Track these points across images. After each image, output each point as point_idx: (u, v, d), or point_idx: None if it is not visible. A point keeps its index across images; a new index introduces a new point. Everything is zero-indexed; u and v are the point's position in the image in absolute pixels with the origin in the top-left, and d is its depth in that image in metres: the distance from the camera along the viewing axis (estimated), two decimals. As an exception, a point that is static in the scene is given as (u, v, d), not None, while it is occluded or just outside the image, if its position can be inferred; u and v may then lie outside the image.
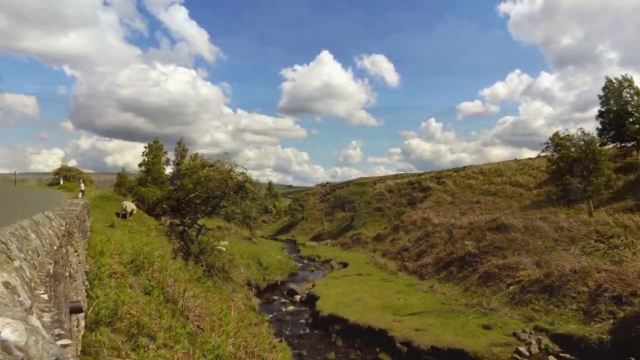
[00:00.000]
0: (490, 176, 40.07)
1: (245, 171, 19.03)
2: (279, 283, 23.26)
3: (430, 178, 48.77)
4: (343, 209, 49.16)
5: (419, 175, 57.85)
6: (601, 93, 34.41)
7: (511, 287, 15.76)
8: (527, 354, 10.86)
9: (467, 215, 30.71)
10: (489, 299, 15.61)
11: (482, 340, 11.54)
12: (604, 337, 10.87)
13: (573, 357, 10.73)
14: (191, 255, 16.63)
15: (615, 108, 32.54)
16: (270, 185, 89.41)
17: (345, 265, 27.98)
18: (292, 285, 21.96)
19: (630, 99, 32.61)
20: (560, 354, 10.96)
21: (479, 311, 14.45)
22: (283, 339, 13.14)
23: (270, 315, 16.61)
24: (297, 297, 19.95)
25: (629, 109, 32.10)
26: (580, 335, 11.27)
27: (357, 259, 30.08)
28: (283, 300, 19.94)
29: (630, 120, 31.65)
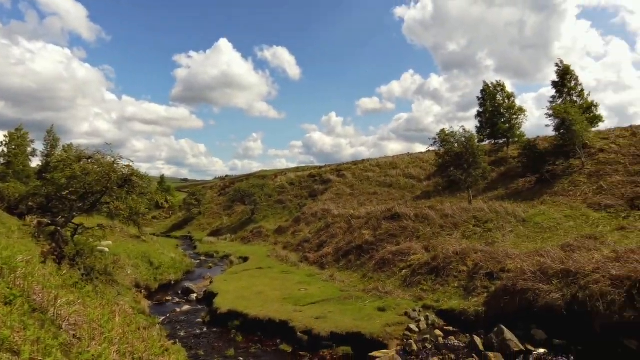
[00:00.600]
0: (386, 169, 43.48)
1: (131, 163, 17.39)
2: (172, 283, 22.02)
3: (331, 171, 50.88)
4: (243, 202, 48.43)
5: (320, 168, 59.95)
6: (479, 95, 40.00)
7: (404, 271, 17.44)
8: (417, 330, 12.14)
9: (365, 206, 32.89)
10: (384, 283, 17.04)
11: (377, 322, 12.54)
12: (480, 309, 12.71)
13: (455, 329, 12.34)
14: (65, 258, 14.66)
15: (490, 109, 38.11)
16: (162, 179, 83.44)
17: (245, 259, 27.68)
18: (187, 284, 20.92)
19: (502, 101, 38.49)
20: (444, 327, 12.50)
21: (375, 295, 15.67)
22: (177, 340, 12.46)
23: (163, 317, 15.62)
24: (194, 296, 19.11)
25: (501, 111, 37.92)
26: (461, 309, 13.00)
27: (258, 252, 30.01)
28: (177, 300, 18.90)
29: (502, 120, 37.44)
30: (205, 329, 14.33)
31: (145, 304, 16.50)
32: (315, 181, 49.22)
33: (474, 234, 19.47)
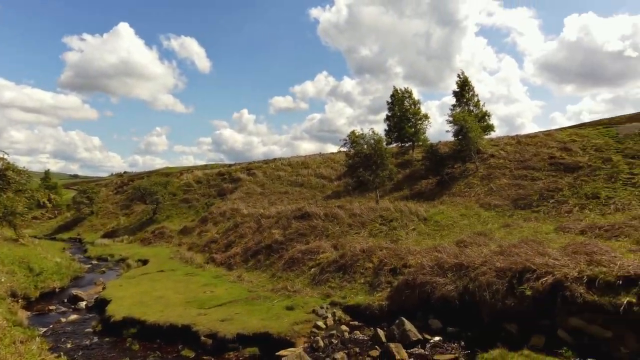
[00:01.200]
0: (297, 168, 44.00)
1: (6, 156, 14.95)
2: (57, 290, 19.54)
3: (241, 169, 49.96)
4: (144, 201, 45.13)
5: (230, 166, 58.53)
6: (389, 100, 42.67)
7: (312, 270, 17.76)
8: (324, 326, 12.43)
9: (276, 205, 32.86)
10: (293, 282, 17.16)
11: (285, 321, 12.54)
12: (383, 303, 13.46)
13: (360, 323, 12.89)
14: None
15: (398, 114, 40.85)
16: (47, 174, 73.97)
17: (145, 262, 25.77)
18: (75, 291, 18.69)
19: (409, 107, 41.49)
20: (350, 322, 12.99)
21: (284, 295, 15.68)
22: (62, 353, 11.05)
23: (45, 329, 13.76)
24: (83, 304, 17.18)
25: (408, 116, 40.86)
26: (366, 304, 13.63)
27: (160, 254, 28.14)
28: (63, 309, 16.79)
29: (409, 124, 40.35)
30: (96, 339, 12.96)
31: (23, 314, 14.53)
32: (224, 179, 47.84)
33: (380, 232, 20.61)
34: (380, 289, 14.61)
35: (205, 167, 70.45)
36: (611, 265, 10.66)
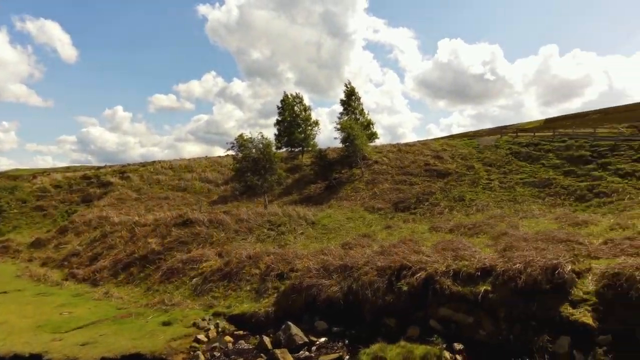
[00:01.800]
0: (180, 172, 41.75)
1: None
2: None
3: (113, 172, 45.54)
4: (-21, 209, 37.93)
5: (99, 168, 52.89)
6: (279, 105, 43.27)
7: (194, 280, 16.90)
8: (206, 339, 11.87)
9: (154, 211, 30.62)
10: (172, 295, 16.09)
11: (161, 338, 11.65)
12: (270, 309, 13.41)
13: (246, 332, 12.63)
14: None
15: (288, 119, 41.64)
16: None
17: (-23, 285, 21.54)
18: None
19: (299, 113, 42.58)
20: (235, 332, 12.64)
21: (160, 309, 14.58)
22: None
23: None
24: None
25: (298, 121, 41.89)
26: (252, 311, 13.43)
27: (4, 272, 23.88)
28: None
29: (299, 130, 41.37)
30: None
31: None
32: (91, 184, 42.98)
33: (268, 237, 20.61)
34: (266, 295, 14.55)
35: (67, 169, 62.50)
36: (472, 259, 12.28)
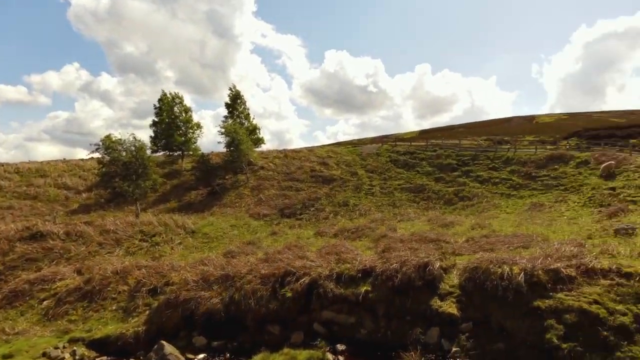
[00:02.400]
0: (30, 177, 36.33)
1: None
2: None
3: None
4: None
5: None
6: (157, 104, 40.60)
7: (45, 302, 14.70)
8: (58, 371, 10.40)
9: (-7, 224, 26.06)
10: (15, 322, 13.74)
11: (-5, 375, 9.86)
12: (140, 329, 12.30)
13: (110, 358, 11.37)
14: None
15: (167, 120, 39.27)
16: None
17: None
18: None
19: (179, 114, 40.47)
20: (97, 359, 11.32)
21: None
22: None
23: None
24: None
25: (178, 123, 39.77)
26: (118, 333, 12.15)
27: None
28: None
29: (179, 132, 39.27)
30: None
31: None
32: None
33: (140, 249, 19.03)
34: (136, 314, 13.35)
35: None
36: (354, 262, 12.92)
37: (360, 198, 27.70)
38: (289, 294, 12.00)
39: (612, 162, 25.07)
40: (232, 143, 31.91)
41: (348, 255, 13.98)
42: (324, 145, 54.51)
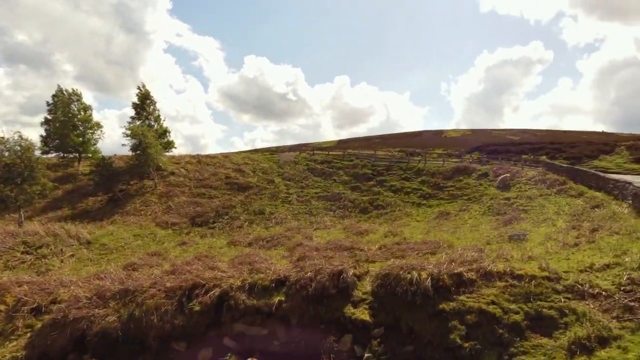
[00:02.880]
0: None
1: None
2: None
3: None
4: None
5: None
6: (50, 101, 36.83)
7: None
8: None
9: None
10: None
11: None
12: (19, 354, 10.90)
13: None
14: None
15: (62, 118, 35.76)
16: None
17: None
18: None
19: (77, 112, 37.11)
20: (-42, 394, 9.76)
21: None
22: None
23: None
24: None
25: (75, 122, 36.43)
26: (-9, 362, 10.64)
27: None
28: None
29: (76, 133, 35.96)
30: None
31: None
32: None
33: (22, 262, 16.91)
34: (15, 337, 11.77)
35: None
36: (267, 271, 12.71)
37: (276, 206, 27.53)
38: (197, 308, 11.43)
39: (508, 174, 27.84)
40: (139, 146, 29.95)
41: (262, 264, 13.72)
42: (240, 152, 53.57)
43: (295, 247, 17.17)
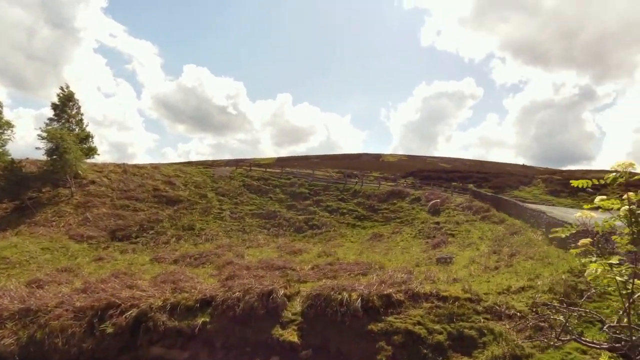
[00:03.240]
0: None
1: None
2: None
3: None
4: None
5: None
6: (-48, 92, 33.29)
7: None
8: None
9: None
10: None
11: None
12: None
13: None
14: None
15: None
16: None
17: None
18: None
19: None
20: None
21: None
22: None
23: None
24: None
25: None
26: None
27: None
28: None
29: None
30: None
31: None
32: None
33: None
34: None
35: None
36: (192, 291, 12.13)
37: (208, 222, 26.62)
38: (109, 330, 10.58)
39: (438, 200, 29.26)
40: (56, 150, 27.73)
41: (187, 283, 13.09)
42: (173, 163, 51.61)
43: (225, 266, 16.60)
